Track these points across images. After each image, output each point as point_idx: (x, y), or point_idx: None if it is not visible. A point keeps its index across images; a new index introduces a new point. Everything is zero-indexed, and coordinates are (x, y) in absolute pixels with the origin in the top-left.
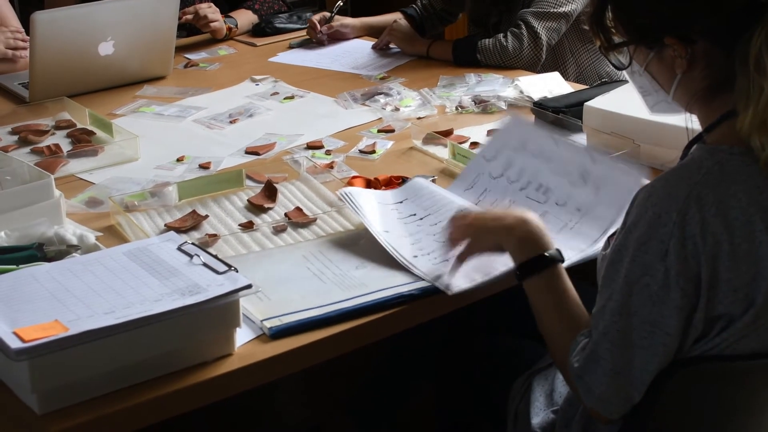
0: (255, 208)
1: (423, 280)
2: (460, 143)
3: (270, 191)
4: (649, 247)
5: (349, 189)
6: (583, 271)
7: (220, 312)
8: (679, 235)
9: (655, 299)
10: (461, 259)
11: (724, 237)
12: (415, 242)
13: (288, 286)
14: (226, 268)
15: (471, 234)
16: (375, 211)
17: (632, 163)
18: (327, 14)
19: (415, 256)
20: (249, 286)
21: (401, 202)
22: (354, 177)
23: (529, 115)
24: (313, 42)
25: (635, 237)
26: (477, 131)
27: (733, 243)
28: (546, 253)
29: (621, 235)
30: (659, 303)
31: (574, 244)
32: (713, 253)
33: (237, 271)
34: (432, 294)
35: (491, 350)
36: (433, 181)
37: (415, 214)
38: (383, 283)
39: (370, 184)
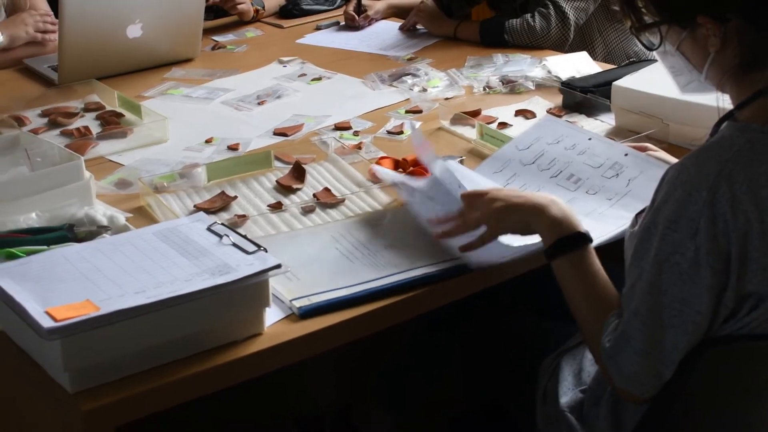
0: (283, 188)
1: (452, 259)
2: (488, 123)
3: (298, 172)
4: (679, 225)
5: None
6: (612, 250)
7: (250, 291)
8: (709, 213)
9: (685, 278)
10: (484, 241)
11: (755, 215)
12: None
13: (317, 266)
14: (255, 248)
15: (494, 213)
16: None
17: (664, 159)
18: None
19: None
20: (278, 266)
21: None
22: (382, 158)
23: (557, 97)
24: (340, 24)
25: (665, 215)
26: (505, 111)
27: (764, 222)
28: (580, 230)
29: (650, 213)
30: (689, 281)
31: (601, 227)
32: (744, 231)
33: (266, 251)
34: (460, 274)
35: (519, 330)
36: (461, 161)
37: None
38: (412, 263)
39: (398, 164)
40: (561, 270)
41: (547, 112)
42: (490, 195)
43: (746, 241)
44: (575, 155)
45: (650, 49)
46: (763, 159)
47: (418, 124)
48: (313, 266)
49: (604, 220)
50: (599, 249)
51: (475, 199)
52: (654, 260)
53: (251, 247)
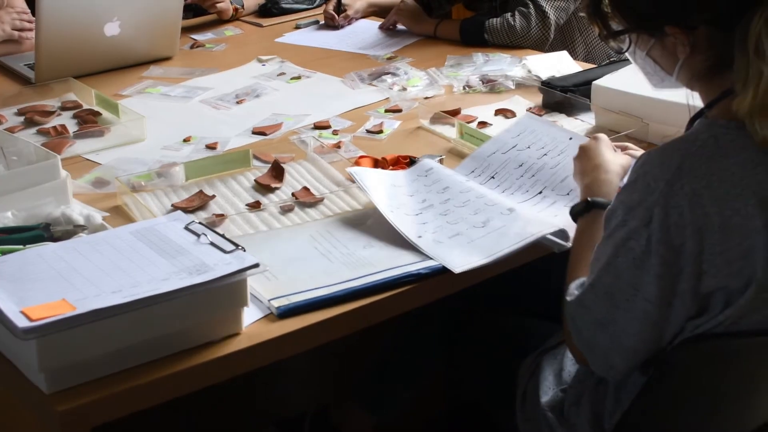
0: (262, 188)
1: (431, 259)
2: (468, 123)
3: (277, 171)
4: (635, 212)
5: (357, 168)
6: None
7: (228, 291)
8: (663, 203)
9: (637, 263)
10: None
11: (714, 209)
12: (422, 222)
13: (295, 266)
14: (233, 247)
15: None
16: (383, 189)
17: None
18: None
19: (420, 236)
20: (256, 265)
21: (410, 183)
22: (361, 157)
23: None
24: (319, 23)
25: (626, 201)
26: (485, 110)
27: (723, 215)
28: (589, 199)
29: (618, 195)
30: (641, 267)
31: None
32: (700, 225)
33: (244, 251)
34: (440, 273)
35: (499, 330)
36: (441, 161)
37: (424, 199)
38: (391, 263)
39: (377, 163)
40: (576, 229)
41: (527, 111)
42: (599, 144)
43: (703, 236)
44: (554, 155)
45: (620, 53)
46: (726, 154)
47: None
48: (291, 266)
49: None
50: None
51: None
52: (612, 242)
53: (229, 246)
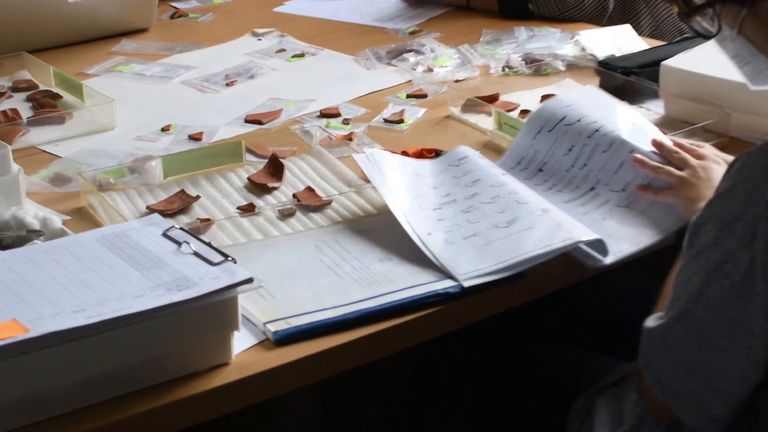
0: (257, 187)
1: (463, 275)
2: (508, 111)
3: (275, 168)
4: (733, 228)
5: (375, 150)
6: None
7: (215, 311)
8: None
9: (737, 292)
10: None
11: None
12: (439, 218)
13: (297, 282)
14: (221, 258)
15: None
16: (401, 177)
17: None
18: None
19: (429, 234)
20: (249, 281)
21: (438, 173)
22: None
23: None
24: None
25: (719, 214)
26: (528, 97)
27: None
28: None
29: (707, 205)
30: (742, 297)
31: (636, 233)
32: None
33: (235, 262)
34: (472, 293)
35: (545, 362)
36: None
37: (449, 193)
38: (413, 279)
39: None
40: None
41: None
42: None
43: None
44: (608, 130)
45: (707, 37)
46: None
47: None
48: (292, 282)
49: (638, 227)
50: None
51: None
52: (701, 265)
53: (217, 257)
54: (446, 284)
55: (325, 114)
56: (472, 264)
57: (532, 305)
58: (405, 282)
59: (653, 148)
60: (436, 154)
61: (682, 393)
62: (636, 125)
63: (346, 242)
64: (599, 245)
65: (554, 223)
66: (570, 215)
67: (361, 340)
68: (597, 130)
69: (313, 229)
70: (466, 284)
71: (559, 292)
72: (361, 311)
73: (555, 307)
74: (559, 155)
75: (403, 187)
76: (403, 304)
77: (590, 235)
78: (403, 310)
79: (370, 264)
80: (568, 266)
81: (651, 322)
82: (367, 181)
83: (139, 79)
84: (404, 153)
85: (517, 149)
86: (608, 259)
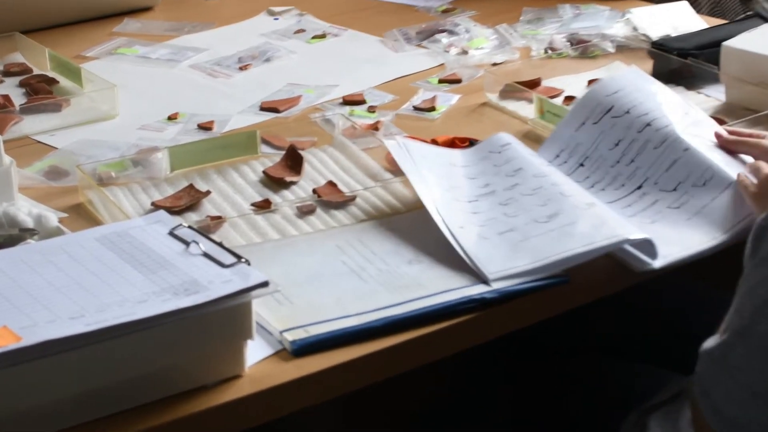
0: (273, 182)
1: (502, 278)
2: (551, 97)
3: (293, 160)
4: None
5: (405, 139)
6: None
7: (227, 318)
8: None
9: None
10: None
11: None
12: (474, 211)
13: (317, 286)
14: (234, 259)
15: None
16: (434, 168)
17: None
18: None
19: (462, 227)
20: (265, 284)
21: (476, 162)
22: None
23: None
24: None
25: None
26: (574, 82)
27: None
28: None
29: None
30: None
31: (689, 235)
32: None
33: (249, 264)
34: (511, 298)
35: (591, 375)
36: None
37: (488, 183)
38: (446, 283)
39: None
40: None
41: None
42: None
43: None
44: (660, 125)
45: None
46: None
47: None
48: (312, 286)
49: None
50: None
51: None
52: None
53: (229, 259)
54: (482, 289)
55: (349, 101)
56: (504, 262)
57: (576, 313)
58: (436, 286)
59: (712, 142)
60: (470, 143)
61: (742, 422)
62: (691, 117)
63: (372, 242)
64: (648, 247)
65: (599, 219)
66: None
67: (387, 350)
68: (648, 124)
69: (335, 228)
70: (494, 284)
71: (605, 299)
72: (388, 319)
73: (602, 315)
74: (604, 149)
75: (436, 177)
76: (435, 310)
77: (638, 234)
78: (434, 318)
79: (398, 266)
80: (614, 270)
81: (710, 342)
82: (395, 174)
83: (144, 63)
84: (433, 142)
85: (557, 140)
86: (657, 263)
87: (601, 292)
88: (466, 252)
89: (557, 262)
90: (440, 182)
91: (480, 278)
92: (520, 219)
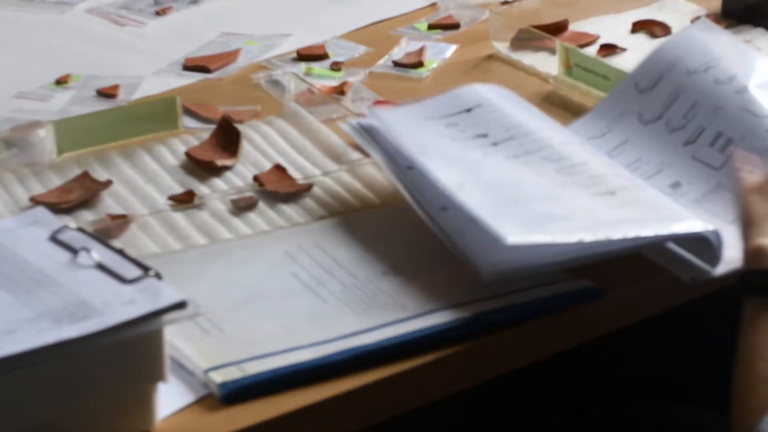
0: (199, 167)
1: (509, 293)
2: (582, 47)
3: (227, 137)
4: None
5: (379, 110)
6: None
7: (129, 353)
8: None
9: None
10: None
11: None
12: (472, 166)
13: (257, 309)
14: (139, 272)
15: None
16: (412, 130)
17: None
18: None
19: (463, 186)
20: (182, 305)
21: (466, 112)
22: (377, 103)
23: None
24: None
25: None
26: (613, 24)
27: None
28: None
29: None
30: None
31: None
32: None
33: (160, 279)
34: (525, 320)
35: (651, 423)
36: None
37: (486, 134)
38: (434, 301)
39: None
40: (747, 314)
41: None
42: None
43: None
44: (736, 97)
45: None
46: None
47: None
48: (250, 308)
49: None
50: None
51: None
52: None
53: (133, 272)
54: (483, 307)
55: (305, 56)
56: (522, 227)
57: (626, 344)
58: (421, 306)
59: None
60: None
61: None
62: None
63: (333, 247)
64: (710, 247)
65: (648, 202)
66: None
67: (354, 393)
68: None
69: (284, 229)
70: (511, 239)
71: (661, 326)
72: (355, 350)
73: (656, 348)
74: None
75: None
76: (419, 338)
77: (698, 227)
78: (418, 348)
79: (369, 279)
80: (656, 283)
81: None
82: (366, 154)
83: (23, 6)
84: None
85: (602, 115)
86: (720, 269)
87: (642, 312)
88: (470, 211)
89: (592, 245)
90: (420, 139)
91: (482, 291)
92: (539, 185)
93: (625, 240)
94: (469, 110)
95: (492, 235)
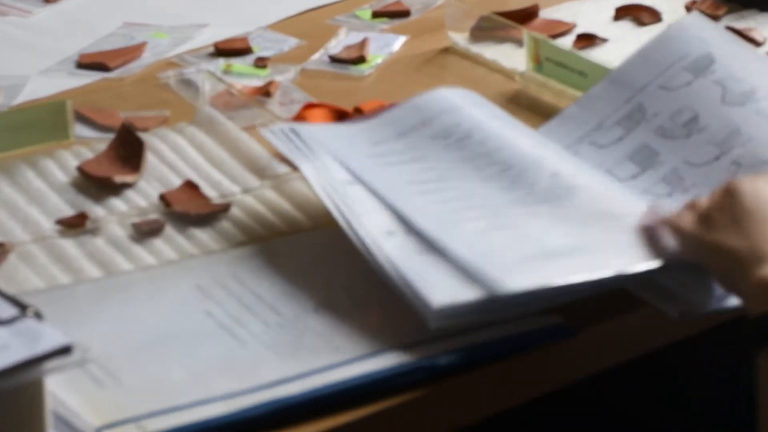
0: (94, 184)
1: (466, 332)
2: (554, 37)
3: (128, 148)
4: None
5: (299, 125)
6: None
7: (2, 409)
8: None
9: None
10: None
11: None
12: (408, 208)
13: (163, 354)
14: (15, 311)
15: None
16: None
17: None
18: None
19: (391, 233)
20: (67, 351)
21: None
22: (310, 106)
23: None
24: None
25: None
26: (592, 11)
27: None
28: None
29: None
30: None
31: None
32: None
33: (41, 319)
34: (481, 364)
35: None
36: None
37: (433, 167)
38: (374, 342)
39: (343, 118)
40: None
41: (688, 9)
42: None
43: None
44: (740, 105)
45: None
46: None
47: None
48: (153, 353)
49: None
50: None
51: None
52: None
53: (7, 311)
54: (436, 347)
55: (225, 50)
56: (453, 288)
57: (611, 387)
58: (360, 347)
59: None
60: None
61: None
62: None
63: (255, 280)
64: (695, 277)
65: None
66: None
67: None
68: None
69: (196, 258)
70: (434, 322)
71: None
72: (279, 402)
73: (648, 391)
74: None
75: (347, 167)
76: (355, 387)
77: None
78: (355, 399)
79: (297, 317)
80: (646, 318)
81: None
82: (294, 168)
83: None
84: (356, 110)
85: (588, 113)
86: (716, 302)
87: (621, 354)
88: (395, 269)
89: (540, 292)
90: (356, 172)
91: (432, 330)
92: (484, 222)
93: (601, 283)
94: (422, 124)
95: (480, 277)
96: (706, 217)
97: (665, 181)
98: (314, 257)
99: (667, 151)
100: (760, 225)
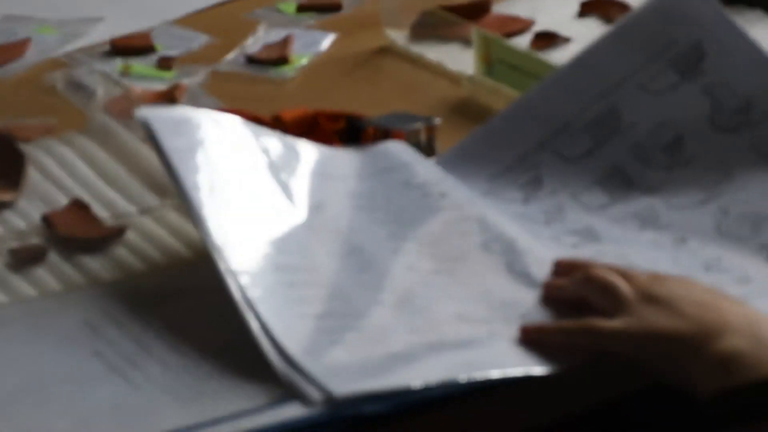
0: None
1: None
2: (508, 35)
3: (7, 162)
4: None
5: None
6: None
7: None
8: None
9: None
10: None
11: None
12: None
13: (42, 401)
14: None
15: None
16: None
17: None
18: None
19: (304, 316)
20: None
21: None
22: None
23: None
24: None
25: None
26: (553, 6)
27: None
28: None
29: None
30: None
31: None
32: None
33: None
34: (418, 412)
35: None
36: (431, 129)
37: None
38: (270, 392)
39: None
40: None
41: None
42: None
43: None
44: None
45: None
46: None
47: None
48: (31, 400)
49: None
50: None
51: (591, 272)
52: None
53: None
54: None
55: (123, 48)
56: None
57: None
58: (276, 390)
59: None
60: (349, 125)
61: None
62: None
63: (152, 315)
64: None
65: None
66: None
67: None
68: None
69: (84, 290)
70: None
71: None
72: None
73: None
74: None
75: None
76: None
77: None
78: None
79: (203, 357)
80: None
81: None
82: None
83: None
84: (277, 118)
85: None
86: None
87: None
88: (287, 351)
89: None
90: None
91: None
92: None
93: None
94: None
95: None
96: (626, 307)
97: (638, 218)
98: (223, 289)
99: (644, 181)
100: (691, 306)
